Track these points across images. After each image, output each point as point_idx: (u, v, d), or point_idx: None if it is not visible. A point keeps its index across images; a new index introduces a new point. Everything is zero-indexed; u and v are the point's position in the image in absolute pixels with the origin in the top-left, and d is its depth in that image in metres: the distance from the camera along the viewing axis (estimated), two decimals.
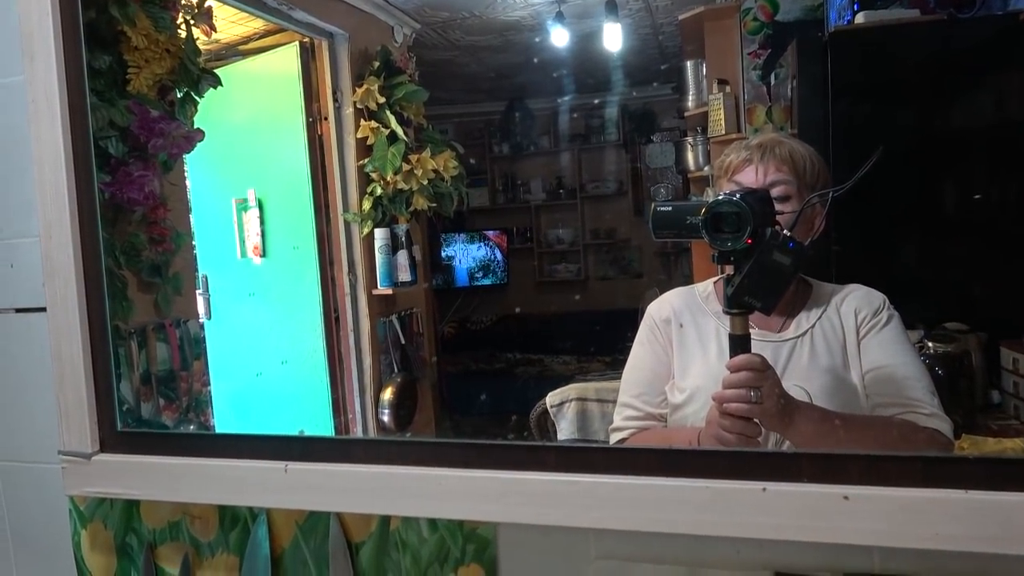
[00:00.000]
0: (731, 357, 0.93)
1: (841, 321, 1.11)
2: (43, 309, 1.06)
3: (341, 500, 0.94)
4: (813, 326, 1.12)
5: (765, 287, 0.91)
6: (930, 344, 1.70)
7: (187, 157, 1.46)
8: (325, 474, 0.93)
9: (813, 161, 1.13)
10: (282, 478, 0.94)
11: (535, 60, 3.19)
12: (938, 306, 1.78)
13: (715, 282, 1.20)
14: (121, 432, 1.04)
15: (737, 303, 0.92)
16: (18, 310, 1.15)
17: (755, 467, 0.79)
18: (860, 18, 1.98)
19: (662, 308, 1.20)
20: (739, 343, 0.93)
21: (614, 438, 1.19)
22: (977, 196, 1.91)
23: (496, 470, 0.87)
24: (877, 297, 1.12)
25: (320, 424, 2.54)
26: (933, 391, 1.05)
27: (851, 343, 1.10)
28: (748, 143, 1.14)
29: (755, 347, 0.94)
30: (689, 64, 2.64)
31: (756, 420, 0.93)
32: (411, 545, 0.96)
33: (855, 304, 1.12)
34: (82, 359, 1.02)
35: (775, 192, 1.09)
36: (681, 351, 1.16)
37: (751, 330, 0.95)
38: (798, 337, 1.11)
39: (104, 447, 1.04)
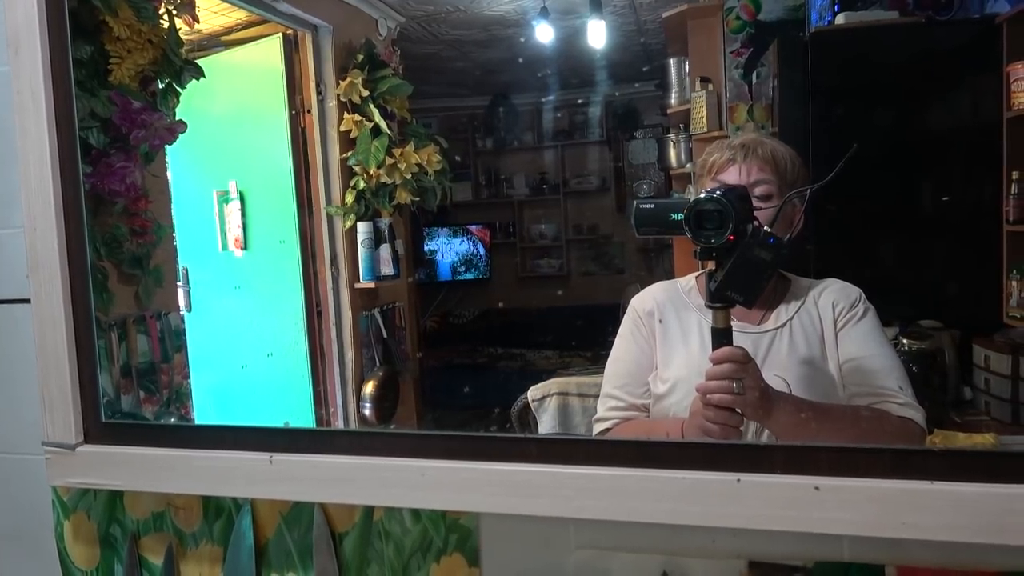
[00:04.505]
0: (713, 349, 0.96)
1: (819, 313, 1.14)
2: (27, 301, 1.06)
3: (325, 491, 0.95)
4: (792, 318, 1.15)
5: (747, 281, 0.94)
6: (905, 341, 1.74)
7: (168, 148, 1.46)
8: (309, 465, 0.94)
9: (793, 161, 1.16)
10: (267, 469, 0.95)
11: (519, 56, 3.20)
12: (913, 304, 1.82)
13: (697, 276, 1.22)
14: (105, 423, 1.04)
15: (720, 297, 0.94)
16: (1, 301, 1.14)
17: (730, 459, 0.82)
18: (840, 19, 2.01)
19: (645, 301, 1.22)
20: (721, 336, 0.96)
21: (597, 428, 1.21)
22: (945, 199, 1.94)
23: (478, 461, 0.89)
24: (854, 291, 1.16)
25: (302, 417, 2.54)
26: (907, 382, 1.08)
27: (828, 335, 1.13)
28: (731, 143, 1.17)
29: (736, 339, 0.96)
30: (672, 62, 2.65)
31: (738, 410, 0.95)
32: (394, 535, 0.97)
33: (832, 297, 1.15)
34: (66, 351, 1.02)
35: (758, 191, 1.12)
36: (664, 343, 1.19)
37: (732, 322, 0.97)
38: (777, 329, 1.14)
39: (88, 438, 1.04)
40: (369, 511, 0.98)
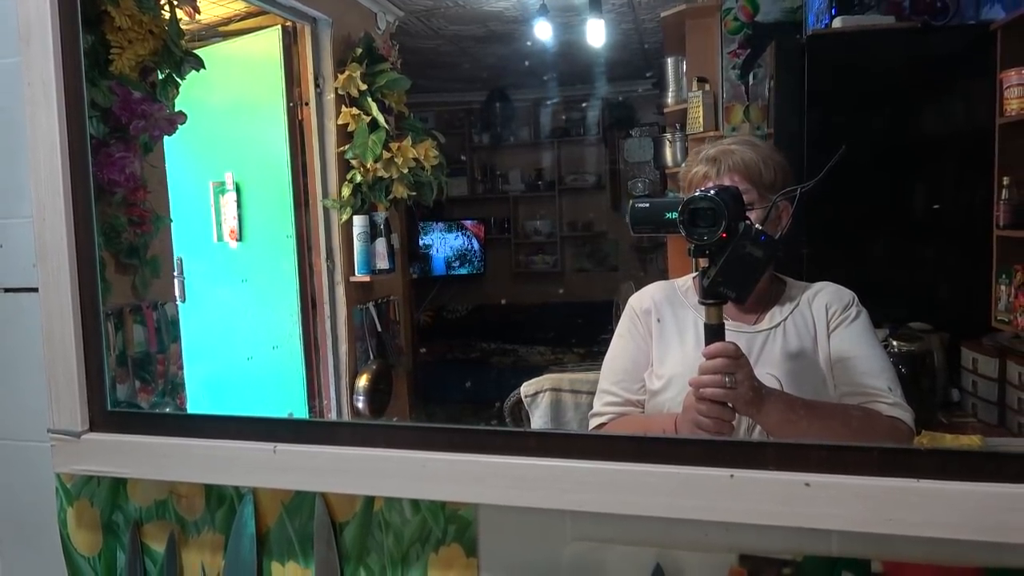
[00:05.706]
0: (706, 345, 0.98)
1: (812, 315, 1.17)
2: (34, 290, 1.07)
3: (327, 481, 0.96)
4: (785, 319, 1.17)
5: (739, 278, 0.96)
6: (895, 342, 1.76)
7: (165, 138, 1.46)
8: (313, 455, 0.95)
9: (767, 163, 1.16)
10: (270, 459, 0.97)
11: (518, 52, 3.21)
12: (904, 306, 1.84)
13: (694, 277, 1.24)
14: (111, 412, 1.05)
15: (712, 293, 0.96)
16: (7, 290, 1.15)
17: (723, 454, 0.84)
18: (837, 22, 2.03)
19: (643, 299, 1.25)
20: (714, 332, 0.98)
21: (593, 423, 1.23)
22: (936, 206, 1.97)
23: (478, 454, 0.90)
24: (847, 294, 1.18)
25: (296, 409, 2.55)
26: (897, 383, 1.11)
27: (821, 335, 1.15)
28: (705, 155, 1.19)
29: (731, 337, 0.98)
30: (670, 61, 2.67)
31: (730, 404, 0.98)
32: (394, 525, 0.99)
33: (826, 299, 1.17)
34: (73, 340, 1.03)
35: None
36: (660, 340, 1.21)
37: (727, 322, 0.99)
38: (771, 329, 1.16)
39: (93, 426, 1.05)
40: (370, 501, 1.00)
